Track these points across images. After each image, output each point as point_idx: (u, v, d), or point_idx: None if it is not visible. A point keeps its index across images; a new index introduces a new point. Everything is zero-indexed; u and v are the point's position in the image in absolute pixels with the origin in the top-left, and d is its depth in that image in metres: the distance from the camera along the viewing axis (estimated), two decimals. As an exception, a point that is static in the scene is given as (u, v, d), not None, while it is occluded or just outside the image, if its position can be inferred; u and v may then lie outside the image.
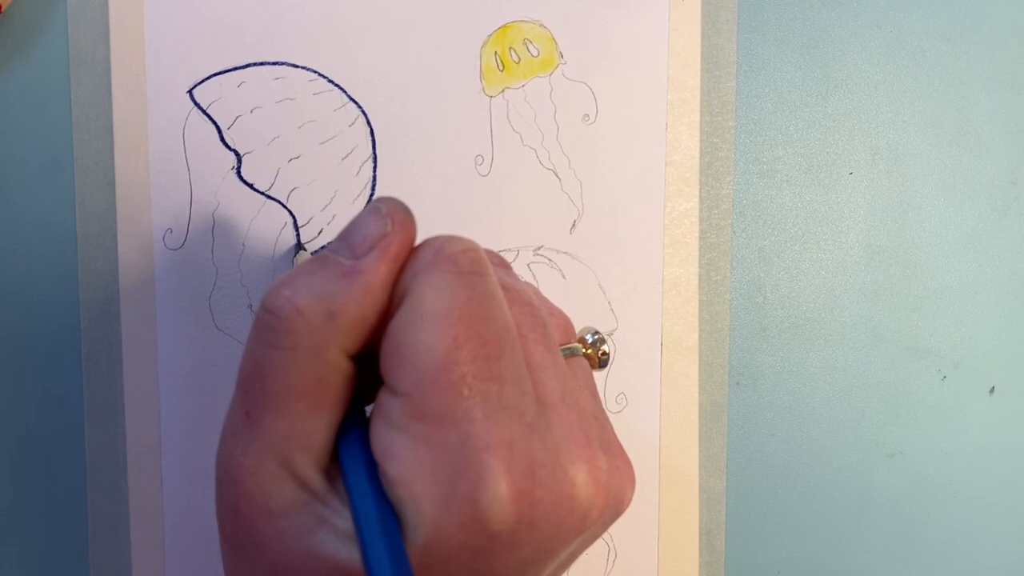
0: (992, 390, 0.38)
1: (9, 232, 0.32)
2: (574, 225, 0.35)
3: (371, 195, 0.34)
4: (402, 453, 0.19)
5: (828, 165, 0.36)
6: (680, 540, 0.36)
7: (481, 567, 0.19)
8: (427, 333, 0.19)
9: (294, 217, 0.33)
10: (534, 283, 0.35)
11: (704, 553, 0.36)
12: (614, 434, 0.23)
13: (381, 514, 0.19)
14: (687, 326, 0.35)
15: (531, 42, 0.34)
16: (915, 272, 0.37)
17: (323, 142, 0.33)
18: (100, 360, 0.33)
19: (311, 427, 0.20)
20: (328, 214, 0.33)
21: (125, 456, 0.33)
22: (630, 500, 0.23)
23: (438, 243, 0.21)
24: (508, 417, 0.19)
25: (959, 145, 0.37)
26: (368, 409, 0.22)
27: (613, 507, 0.22)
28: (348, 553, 0.20)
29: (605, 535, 0.33)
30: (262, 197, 0.33)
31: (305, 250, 0.33)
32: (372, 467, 0.20)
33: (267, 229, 0.33)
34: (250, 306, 0.33)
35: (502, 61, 0.34)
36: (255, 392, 0.20)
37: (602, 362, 0.26)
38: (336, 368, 0.20)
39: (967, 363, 0.38)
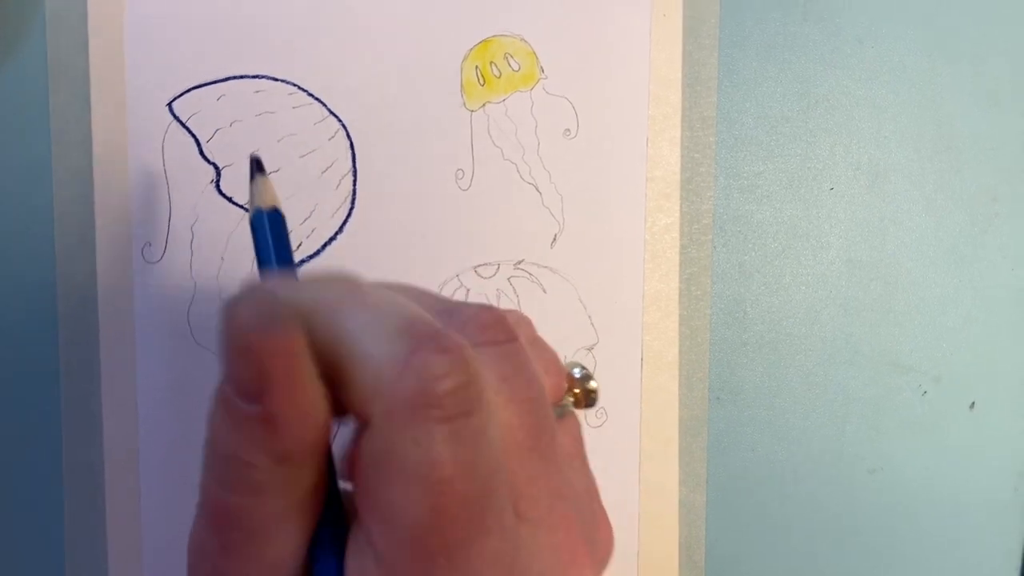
0: (972, 405, 0.38)
1: (-14, 244, 0.32)
2: (555, 239, 0.35)
3: (351, 208, 0.33)
4: None
5: (809, 180, 0.36)
6: (660, 555, 0.36)
7: None
8: (403, 495, 0.18)
9: (273, 231, 0.33)
10: (514, 298, 0.35)
11: (684, 568, 0.36)
12: (600, 500, 0.22)
13: None
14: (667, 341, 0.35)
15: (512, 56, 0.34)
16: (896, 287, 0.37)
17: (303, 156, 0.33)
18: (78, 373, 0.32)
19: (283, 553, 0.19)
20: (307, 228, 0.33)
21: (103, 470, 0.33)
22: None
23: (421, 370, 0.18)
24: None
25: (940, 161, 0.37)
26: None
27: None
28: None
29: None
30: (241, 211, 0.33)
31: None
32: None
33: (246, 243, 0.33)
34: (229, 320, 0.33)
35: (483, 75, 0.34)
36: (221, 528, 0.19)
37: (589, 401, 0.24)
38: (303, 485, 0.19)
39: (948, 378, 0.38)
